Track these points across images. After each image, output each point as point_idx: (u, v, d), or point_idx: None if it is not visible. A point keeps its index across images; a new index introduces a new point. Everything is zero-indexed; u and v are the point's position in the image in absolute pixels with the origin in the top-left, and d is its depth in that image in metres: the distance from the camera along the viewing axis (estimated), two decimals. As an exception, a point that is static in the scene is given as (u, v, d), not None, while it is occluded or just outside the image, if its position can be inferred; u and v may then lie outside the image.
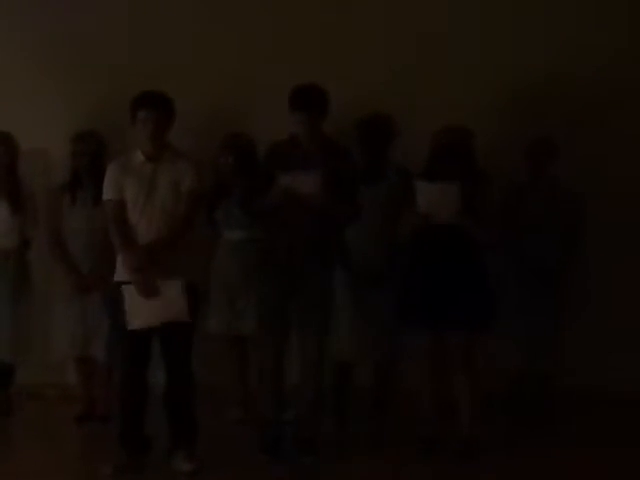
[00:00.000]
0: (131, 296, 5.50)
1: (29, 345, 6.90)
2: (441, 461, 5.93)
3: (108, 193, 5.64)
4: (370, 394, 6.74)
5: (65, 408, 6.92)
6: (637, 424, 6.75)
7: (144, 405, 5.69)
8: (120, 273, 5.60)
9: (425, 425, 6.11)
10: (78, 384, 6.94)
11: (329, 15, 7.29)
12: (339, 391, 6.69)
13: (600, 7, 7.30)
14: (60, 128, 7.09)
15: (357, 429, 6.56)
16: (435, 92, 7.20)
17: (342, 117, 6.49)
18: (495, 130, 7.02)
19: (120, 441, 5.66)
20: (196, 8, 7.30)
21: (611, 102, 7.25)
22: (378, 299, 6.47)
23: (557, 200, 6.92)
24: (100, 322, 6.60)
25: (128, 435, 5.67)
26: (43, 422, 6.90)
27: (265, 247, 6.05)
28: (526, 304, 6.78)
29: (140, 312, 5.50)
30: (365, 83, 7.16)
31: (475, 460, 5.88)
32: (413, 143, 6.68)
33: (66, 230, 6.77)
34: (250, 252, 6.42)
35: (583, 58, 7.31)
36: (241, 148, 6.77)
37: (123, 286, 5.53)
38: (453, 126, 6.27)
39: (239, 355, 6.90)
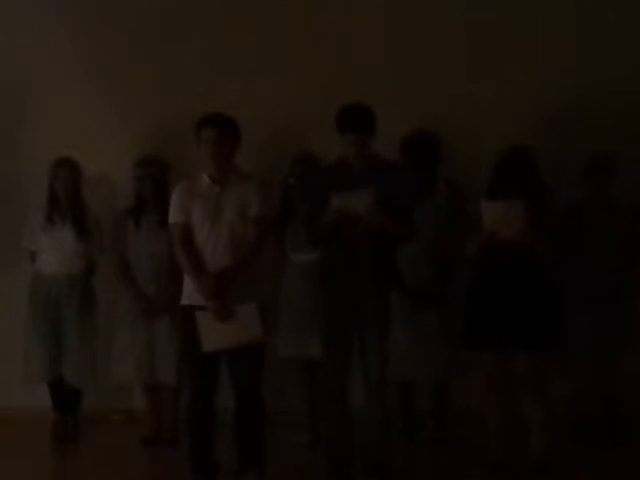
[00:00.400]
0: (206, 320, 5.51)
1: (95, 370, 6.92)
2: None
3: (175, 217, 5.64)
4: (430, 415, 6.73)
5: (131, 432, 6.94)
6: None
7: (212, 427, 5.65)
8: (189, 296, 5.60)
9: (491, 449, 6.04)
10: (145, 409, 6.96)
11: (377, 41, 7.27)
12: (403, 413, 6.69)
13: None
14: (123, 153, 7.15)
15: (421, 452, 6.56)
16: (490, 112, 7.15)
17: (393, 136, 6.54)
18: (554, 148, 6.90)
19: (190, 464, 5.64)
20: (257, 36, 7.30)
21: None
22: (434, 318, 6.47)
23: (616, 218, 6.82)
24: (167, 347, 6.65)
25: (198, 458, 5.65)
26: (110, 446, 6.87)
27: (324, 269, 5.98)
28: (591, 325, 6.62)
29: (215, 335, 5.49)
30: (418, 104, 7.10)
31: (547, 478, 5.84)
32: (465, 162, 6.76)
33: (131, 255, 6.83)
34: (317, 274, 6.37)
35: None
36: (305, 169, 6.69)
37: (197, 311, 5.52)
38: (516, 145, 6.21)
39: (307, 379, 6.81)
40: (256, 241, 5.61)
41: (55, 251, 6.84)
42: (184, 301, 5.65)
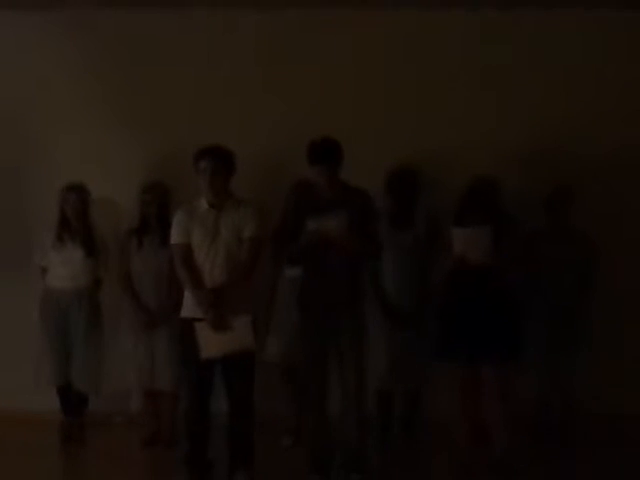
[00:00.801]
0: (204, 331, 5.76)
1: (101, 377, 7.12)
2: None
3: (176, 238, 5.93)
4: (400, 421, 7.06)
5: (132, 434, 7.12)
6: None
7: (207, 429, 5.93)
8: (188, 309, 5.89)
9: (459, 450, 6.40)
10: (145, 412, 7.12)
11: (364, 77, 7.55)
12: (381, 418, 6.97)
13: (617, 75, 7.56)
14: (127, 179, 7.39)
15: (396, 453, 6.84)
16: (463, 147, 7.41)
17: (378, 170, 6.90)
18: (518, 182, 7.13)
19: (185, 463, 5.91)
20: (253, 69, 7.54)
21: (620, 160, 7.48)
22: (411, 334, 6.76)
23: (573, 245, 7.09)
24: (166, 356, 6.85)
25: (193, 458, 5.91)
26: (113, 447, 7.05)
27: (301, 288, 6.18)
28: (547, 338, 6.94)
29: (213, 344, 5.76)
30: (401, 144, 7.36)
31: (512, 478, 6.10)
32: (443, 193, 6.96)
33: (134, 271, 7.03)
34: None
35: (598, 119, 7.51)
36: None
37: (196, 323, 5.77)
38: (482, 176, 6.53)
39: (291, 383, 7.03)
40: (250, 260, 5.90)
41: (65, 267, 7.02)
42: (184, 313, 5.93)
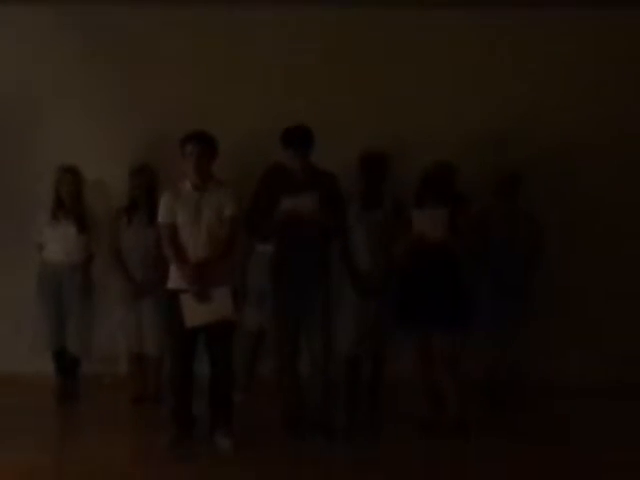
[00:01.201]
0: (188, 302, 6.08)
1: (92, 341, 7.39)
2: (435, 438, 6.46)
3: (163, 217, 6.23)
4: (366, 384, 7.23)
5: (120, 393, 7.36)
6: (584, 407, 7.32)
7: (191, 390, 6.23)
8: (173, 282, 6.19)
9: (419, 411, 6.68)
10: (132, 374, 7.44)
11: (339, 69, 7.83)
12: (349, 383, 7.14)
13: (566, 61, 7.93)
14: (117, 161, 7.65)
15: (362, 415, 7.04)
16: (425, 133, 7.72)
17: (346, 153, 7.10)
18: (472, 166, 7.34)
19: (172, 418, 6.25)
20: (231, 61, 7.83)
21: (568, 146, 7.85)
22: (378, 304, 6.96)
23: (520, 225, 7.40)
24: (153, 323, 7.18)
25: (179, 414, 6.24)
26: (104, 405, 7.30)
27: (274, 262, 6.50)
28: (496, 310, 7.21)
29: (196, 314, 6.07)
30: (366, 125, 7.71)
31: (466, 436, 6.43)
32: (406, 175, 7.15)
33: (124, 247, 7.34)
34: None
35: (548, 108, 7.89)
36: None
37: (181, 295, 6.08)
38: (439, 161, 6.79)
39: (253, 348, 7.39)
40: (230, 237, 6.21)
41: (59, 243, 7.29)
42: (170, 285, 6.21)
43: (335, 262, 6.74)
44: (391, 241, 7.05)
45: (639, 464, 6.05)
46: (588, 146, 7.91)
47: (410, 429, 6.65)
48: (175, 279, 6.21)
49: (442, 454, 6.25)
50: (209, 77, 7.88)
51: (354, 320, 7.03)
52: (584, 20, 7.83)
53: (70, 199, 7.41)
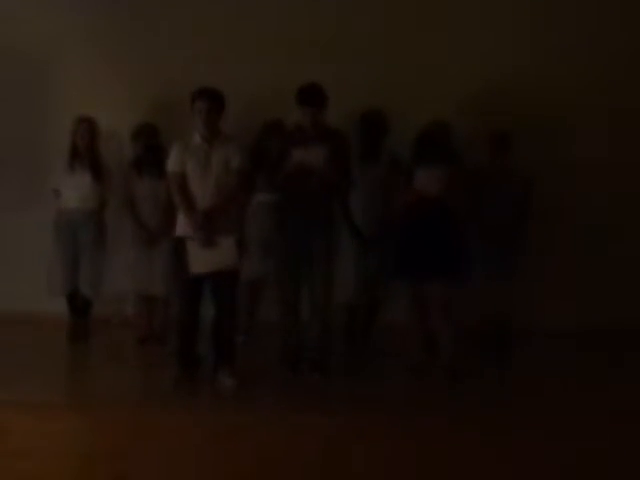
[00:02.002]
0: (194, 249, 6.18)
1: (102, 284, 7.60)
2: (424, 380, 6.58)
3: (172, 166, 6.31)
4: (361, 329, 7.45)
5: (127, 333, 7.60)
6: (562, 351, 7.53)
7: (197, 332, 6.34)
8: (180, 229, 6.30)
9: (411, 356, 6.78)
10: (141, 314, 7.61)
11: (341, 26, 7.99)
12: (347, 328, 7.46)
13: (560, 32, 8.00)
14: (133, 113, 7.79)
15: (355, 358, 7.24)
16: (421, 92, 7.83)
17: (346, 109, 7.23)
18: (466, 124, 7.51)
19: (177, 358, 6.36)
20: (241, 24, 7.98)
21: (557, 105, 7.97)
22: (376, 254, 7.21)
23: (510, 182, 7.47)
24: (163, 267, 7.30)
25: (183, 354, 6.36)
26: (113, 344, 7.56)
27: (281, 210, 6.61)
28: (487, 263, 7.29)
29: (201, 261, 6.18)
30: (366, 84, 7.80)
31: (455, 382, 6.49)
32: (404, 132, 7.18)
33: (136, 196, 7.49)
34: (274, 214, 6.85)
35: (541, 70, 8.00)
36: (273, 132, 7.27)
37: (188, 241, 6.19)
38: (435, 120, 6.89)
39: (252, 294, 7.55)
40: (236, 187, 6.33)
41: (75, 190, 7.42)
42: (177, 232, 6.33)
43: (336, 213, 6.83)
44: (389, 195, 7.20)
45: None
46: (581, 105, 8.00)
47: (402, 370, 6.77)
48: (183, 226, 6.31)
49: (431, 394, 6.35)
50: (218, 42, 8.01)
51: (354, 270, 7.24)
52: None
53: (85, 149, 7.53)
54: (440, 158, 6.69)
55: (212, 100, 6.29)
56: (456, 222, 6.72)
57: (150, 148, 7.47)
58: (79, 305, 7.65)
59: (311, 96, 6.47)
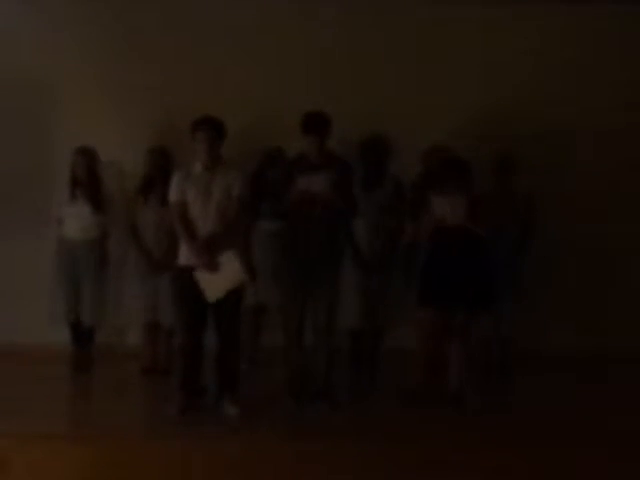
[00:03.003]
0: (203, 277, 6.16)
1: (105, 314, 7.59)
2: (426, 408, 6.46)
3: (174, 196, 6.31)
4: (366, 355, 7.43)
5: (131, 364, 7.50)
6: (564, 374, 7.49)
7: (200, 361, 6.28)
8: (183, 258, 6.27)
9: (416, 382, 6.69)
10: (145, 343, 7.54)
11: (341, 55, 8.00)
12: (352, 354, 7.41)
13: (554, 58, 8.08)
14: (132, 143, 7.77)
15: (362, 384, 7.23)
16: (423, 120, 7.83)
17: (347, 135, 7.17)
18: (469, 149, 7.36)
19: (181, 388, 6.27)
20: (243, 51, 7.98)
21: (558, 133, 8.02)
22: (378, 280, 7.24)
23: (515, 206, 7.52)
24: (167, 296, 7.03)
25: (187, 384, 6.28)
26: (116, 374, 7.46)
27: (286, 238, 6.56)
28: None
29: (213, 287, 6.16)
30: (366, 111, 7.77)
31: (462, 408, 6.44)
32: (405, 158, 7.43)
33: (141, 224, 7.45)
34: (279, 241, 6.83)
35: (539, 97, 8.05)
36: (274, 160, 7.35)
37: (196, 272, 6.16)
38: (456, 157, 6.88)
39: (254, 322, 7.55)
40: (237, 215, 6.30)
41: (76, 220, 7.41)
42: (180, 262, 6.30)
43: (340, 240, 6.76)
44: (392, 221, 7.23)
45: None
46: (584, 129, 8.05)
47: (406, 397, 6.67)
48: (185, 255, 6.29)
49: (436, 424, 6.26)
50: (221, 69, 8.01)
51: (357, 295, 7.24)
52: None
53: (86, 179, 7.51)
54: (463, 187, 6.69)
55: (213, 129, 6.29)
56: (481, 249, 6.68)
57: (156, 174, 7.45)
58: (82, 335, 7.60)
59: (316, 124, 6.45)
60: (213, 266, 6.21)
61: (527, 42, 8.07)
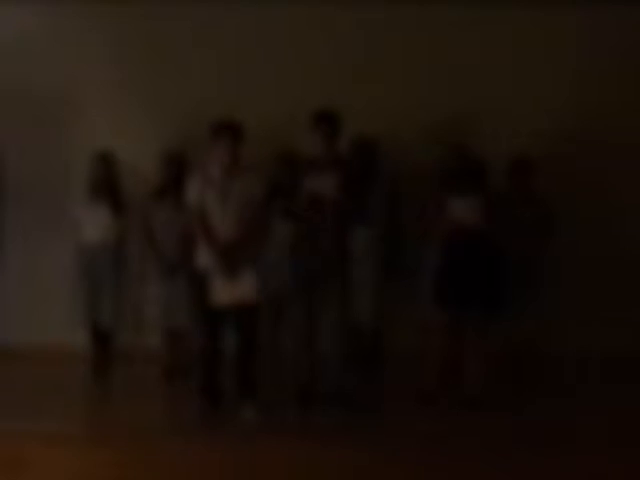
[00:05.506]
0: (215, 281, 6.10)
1: (124, 317, 7.65)
2: (441, 409, 6.42)
3: (192, 199, 6.20)
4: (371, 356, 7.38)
5: (151, 367, 7.45)
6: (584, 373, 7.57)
7: (219, 364, 6.23)
8: (201, 261, 6.17)
9: (426, 384, 6.62)
10: (164, 347, 7.46)
11: (359, 56, 8.03)
12: (371, 353, 7.38)
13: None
14: (148, 148, 7.83)
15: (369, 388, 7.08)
16: (427, 116, 7.90)
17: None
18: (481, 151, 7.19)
19: (200, 391, 6.24)
20: (263, 55, 8.05)
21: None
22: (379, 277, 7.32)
23: (533, 205, 7.39)
24: (184, 299, 7.23)
25: (206, 386, 6.23)
26: (136, 377, 7.47)
27: (296, 238, 6.48)
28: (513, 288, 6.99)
29: (222, 293, 6.10)
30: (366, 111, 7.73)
31: (478, 409, 6.34)
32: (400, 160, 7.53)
33: (156, 227, 7.43)
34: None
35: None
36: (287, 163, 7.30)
37: (209, 274, 6.10)
38: (470, 159, 6.84)
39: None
40: (256, 219, 6.23)
41: (95, 225, 7.42)
42: (198, 264, 6.20)
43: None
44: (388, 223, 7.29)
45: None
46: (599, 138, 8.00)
47: (416, 400, 6.61)
48: (203, 258, 6.19)
49: (447, 428, 6.11)
50: (235, 74, 8.07)
51: (366, 296, 7.23)
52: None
53: (104, 183, 7.53)
54: (478, 188, 6.65)
55: (234, 133, 6.21)
56: (496, 252, 6.62)
57: (171, 178, 7.43)
58: (101, 336, 7.57)
59: (326, 121, 6.37)
60: (231, 274, 6.13)
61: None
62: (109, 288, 7.52)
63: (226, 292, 6.11)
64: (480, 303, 6.52)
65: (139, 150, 7.88)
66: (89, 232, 7.47)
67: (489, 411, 6.38)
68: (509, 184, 7.47)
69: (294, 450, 5.57)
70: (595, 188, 8.01)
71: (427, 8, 7.96)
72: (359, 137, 7.33)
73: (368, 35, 8.08)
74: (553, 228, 7.45)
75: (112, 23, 8.08)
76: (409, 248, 7.30)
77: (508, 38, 8.06)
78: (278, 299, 7.26)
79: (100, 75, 8.07)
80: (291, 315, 6.64)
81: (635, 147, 8.04)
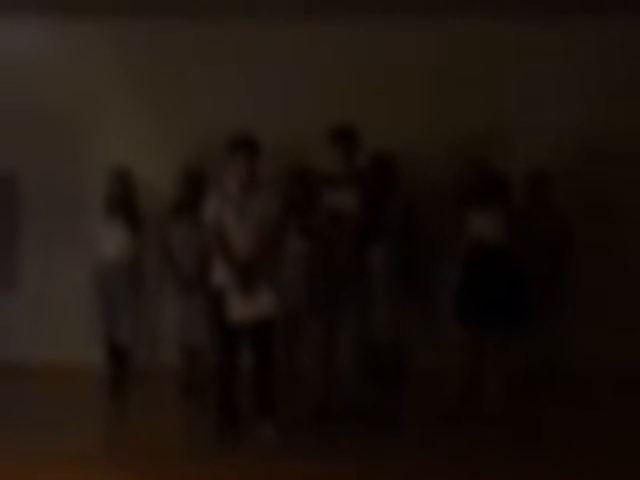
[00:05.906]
0: (233, 298, 6.05)
1: (141, 334, 7.61)
2: (462, 426, 6.31)
3: (210, 216, 6.14)
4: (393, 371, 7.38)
5: (168, 384, 7.47)
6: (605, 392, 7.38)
7: (236, 381, 6.15)
8: (218, 278, 6.11)
9: (451, 400, 6.64)
10: (182, 365, 7.44)
11: (376, 72, 8.08)
12: (385, 369, 7.32)
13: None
14: (165, 165, 7.89)
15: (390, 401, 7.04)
16: (444, 132, 7.91)
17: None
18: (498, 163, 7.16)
19: (218, 408, 6.17)
20: (279, 71, 8.09)
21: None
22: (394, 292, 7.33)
23: (550, 221, 7.39)
24: (201, 316, 7.14)
25: (224, 403, 6.16)
26: (153, 394, 7.45)
27: (313, 256, 6.52)
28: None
29: (239, 309, 6.06)
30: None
31: (496, 426, 6.26)
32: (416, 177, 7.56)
33: (174, 245, 7.44)
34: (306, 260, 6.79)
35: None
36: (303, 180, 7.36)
37: (227, 290, 6.05)
38: (483, 163, 6.85)
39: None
40: (274, 236, 6.18)
41: (111, 241, 7.41)
42: (215, 281, 6.13)
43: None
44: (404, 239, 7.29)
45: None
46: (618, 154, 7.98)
47: (436, 417, 6.59)
48: (221, 275, 6.12)
49: (467, 444, 6.04)
50: (251, 92, 8.09)
51: (385, 311, 7.23)
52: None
53: (121, 200, 7.54)
54: (500, 203, 6.64)
55: (252, 149, 6.17)
56: (517, 268, 6.59)
57: (188, 195, 7.41)
58: (118, 354, 7.53)
59: (344, 137, 6.39)
60: (249, 291, 6.06)
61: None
62: (126, 305, 7.49)
63: (243, 309, 6.04)
64: (502, 320, 6.46)
65: (155, 167, 7.91)
66: (106, 249, 7.46)
67: (507, 426, 6.31)
68: (528, 199, 7.44)
69: (312, 469, 5.51)
70: (614, 205, 7.98)
71: (444, 23, 7.96)
72: (376, 153, 7.31)
73: (385, 51, 8.10)
74: (573, 244, 7.42)
75: (127, 41, 8.14)
76: (426, 263, 7.28)
77: (528, 54, 8.04)
78: (295, 316, 7.25)
79: (116, 92, 8.13)
80: (308, 332, 6.61)
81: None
